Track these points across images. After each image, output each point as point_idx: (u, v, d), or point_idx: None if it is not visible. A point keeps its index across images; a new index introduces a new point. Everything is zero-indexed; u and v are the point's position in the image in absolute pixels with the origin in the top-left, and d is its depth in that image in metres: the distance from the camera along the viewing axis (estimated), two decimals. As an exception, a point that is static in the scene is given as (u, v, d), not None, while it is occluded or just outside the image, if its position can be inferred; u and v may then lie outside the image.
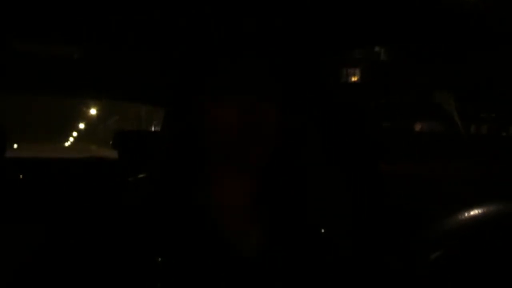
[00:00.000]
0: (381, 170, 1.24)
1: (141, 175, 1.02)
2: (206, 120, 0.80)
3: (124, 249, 0.73)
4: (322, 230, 0.90)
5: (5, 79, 1.77)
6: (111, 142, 2.05)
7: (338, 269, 0.87)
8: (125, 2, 1.00)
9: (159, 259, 0.73)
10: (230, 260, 0.76)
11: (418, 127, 12.43)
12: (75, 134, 53.03)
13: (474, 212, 1.11)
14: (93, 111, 40.69)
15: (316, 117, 1.19)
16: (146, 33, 1.16)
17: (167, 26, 1.09)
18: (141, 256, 0.73)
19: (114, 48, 1.39)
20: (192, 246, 0.75)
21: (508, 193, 1.25)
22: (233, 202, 0.82)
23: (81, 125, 50.03)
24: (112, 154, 2.19)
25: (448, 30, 1.03)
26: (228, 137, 0.78)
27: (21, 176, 1.96)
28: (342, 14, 1.00)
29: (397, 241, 1.17)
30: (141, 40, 1.24)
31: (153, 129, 17.46)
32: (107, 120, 41.69)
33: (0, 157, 1.79)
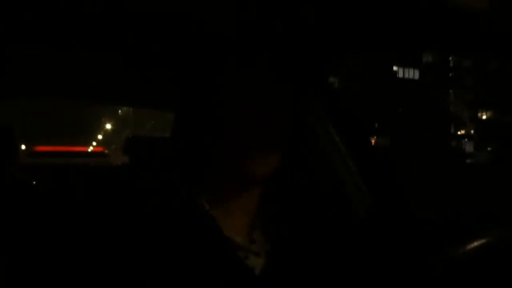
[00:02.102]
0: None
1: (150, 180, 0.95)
2: (215, 127, 0.76)
3: (130, 253, 0.71)
4: (327, 239, 0.85)
5: (17, 83, 1.72)
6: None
7: (342, 277, 0.83)
8: (134, 5, 0.92)
9: (163, 264, 0.70)
10: (235, 269, 0.74)
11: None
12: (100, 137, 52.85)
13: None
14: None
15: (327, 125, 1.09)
16: (157, 39, 1.10)
17: (176, 32, 1.02)
18: (146, 260, 0.70)
19: (124, 52, 1.31)
20: (197, 253, 0.72)
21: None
22: (239, 209, 0.79)
23: (108, 126, 49.79)
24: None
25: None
26: (236, 145, 0.74)
27: (34, 182, 1.90)
28: (348, 16, 0.91)
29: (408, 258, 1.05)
30: (153, 46, 1.17)
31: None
32: (145, 124, 41.57)
33: (13, 162, 1.72)
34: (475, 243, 0.87)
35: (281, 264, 0.78)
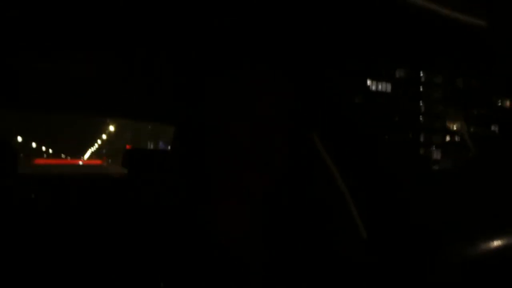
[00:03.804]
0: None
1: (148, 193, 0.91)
2: (214, 143, 0.72)
3: (129, 269, 0.68)
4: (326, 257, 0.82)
5: (18, 96, 1.67)
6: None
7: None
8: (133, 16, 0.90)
9: (162, 283, 0.67)
10: (235, 284, 0.71)
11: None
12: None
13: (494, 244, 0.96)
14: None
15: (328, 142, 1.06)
16: (157, 53, 1.07)
17: (175, 43, 0.99)
18: (145, 277, 0.67)
19: (124, 64, 1.28)
20: (196, 269, 0.69)
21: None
22: (238, 227, 0.75)
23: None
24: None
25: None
26: (235, 162, 0.70)
27: (33, 195, 1.84)
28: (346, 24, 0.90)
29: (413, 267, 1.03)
30: (151, 60, 1.13)
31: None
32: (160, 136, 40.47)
33: (12, 174, 1.66)
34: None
35: (276, 274, 0.75)
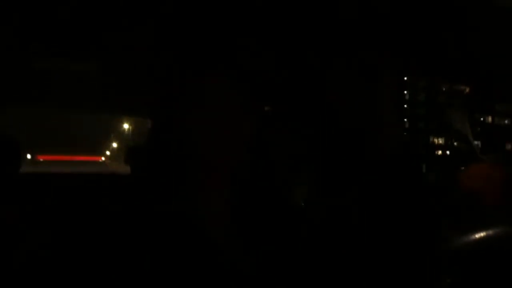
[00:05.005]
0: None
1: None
2: (188, 129, 0.74)
3: (120, 256, 0.68)
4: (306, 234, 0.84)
5: (24, 94, 1.65)
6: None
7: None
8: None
9: (151, 264, 0.66)
10: (216, 266, 0.71)
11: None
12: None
13: (488, 234, 0.97)
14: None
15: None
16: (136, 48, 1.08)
17: (157, 39, 1.01)
18: (135, 262, 0.67)
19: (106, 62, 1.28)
20: (178, 252, 0.69)
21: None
22: (215, 208, 0.76)
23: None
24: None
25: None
26: (210, 145, 0.73)
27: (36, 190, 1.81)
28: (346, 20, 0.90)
29: (409, 262, 1.01)
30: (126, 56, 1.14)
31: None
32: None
33: (15, 172, 1.64)
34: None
35: (262, 265, 0.75)
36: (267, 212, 0.83)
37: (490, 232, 1.01)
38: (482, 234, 1.02)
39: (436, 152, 38.56)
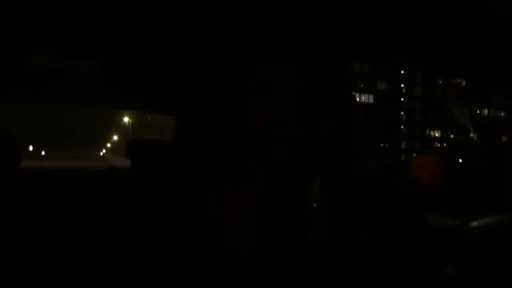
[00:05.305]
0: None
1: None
2: (215, 130, 0.69)
3: (127, 257, 0.65)
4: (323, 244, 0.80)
5: (23, 91, 1.63)
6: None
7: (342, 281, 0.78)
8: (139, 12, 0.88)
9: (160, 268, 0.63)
10: (231, 271, 0.68)
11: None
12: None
13: (489, 222, 0.97)
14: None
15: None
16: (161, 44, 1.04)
17: (181, 35, 0.97)
18: (144, 263, 0.63)
19: (128, 57, 1.26)
20: (193, 256, 0.66)
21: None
22: (235, 214, 0.72)
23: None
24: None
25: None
26: (235, 148, 0.68)
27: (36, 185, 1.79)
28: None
29: (411, 254, 1.01)
30: (155, 50, 1.12)
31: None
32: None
33: (14, 168, 1.62)
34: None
35: (278, 272, 0.72)
36: (285, 214, 0.80)
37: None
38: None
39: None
